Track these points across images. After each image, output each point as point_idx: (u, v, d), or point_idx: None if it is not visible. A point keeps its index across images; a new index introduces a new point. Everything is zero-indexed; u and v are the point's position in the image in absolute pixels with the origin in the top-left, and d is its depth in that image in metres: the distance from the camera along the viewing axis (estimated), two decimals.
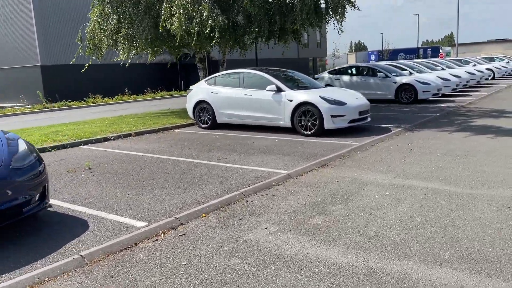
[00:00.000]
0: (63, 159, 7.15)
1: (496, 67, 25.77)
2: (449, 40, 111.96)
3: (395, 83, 14.37)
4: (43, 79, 24.76)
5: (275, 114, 8.98)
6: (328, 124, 8.38)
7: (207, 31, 10.19)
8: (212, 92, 9.94)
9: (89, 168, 6.33)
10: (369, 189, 4.97)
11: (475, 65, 24.62)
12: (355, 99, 8.87)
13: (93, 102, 21.63)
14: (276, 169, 5.95)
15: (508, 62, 29.64)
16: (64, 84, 25.25)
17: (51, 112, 18.04)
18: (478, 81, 20.10)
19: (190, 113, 10.52)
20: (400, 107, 13.40)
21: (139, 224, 3.96)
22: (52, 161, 7.07)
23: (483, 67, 24.87)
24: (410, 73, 15.93)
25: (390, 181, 5.28)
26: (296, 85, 9.58)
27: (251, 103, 9.29)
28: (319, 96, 8.46)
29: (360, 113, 8.71)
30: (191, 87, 10.58)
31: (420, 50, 69.67)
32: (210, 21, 9.94)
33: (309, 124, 8.58)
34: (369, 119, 9.24)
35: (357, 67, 15.82)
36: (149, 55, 14.38)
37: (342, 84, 15.55)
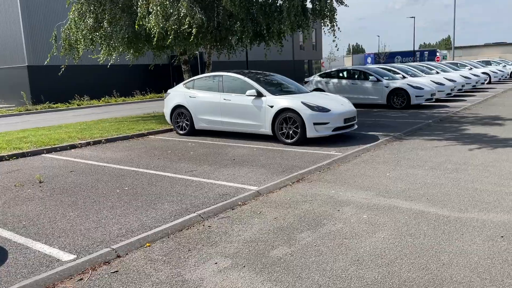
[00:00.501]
0: (16, 170, 6.53)
1: (492, 71, 25.31)
2: (446, 44, 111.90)
3: (387, 87, 13.82)
4: (30, 80, 24.10)
5: (255, 121, 8.40)
6: (310, 132, 7.80)
7: (183, 28, 9.57)
8: (190, 97, 9.35)
9: (40, 182, 5.72)
10: (345, 211, 4.39)
11: (471, 68, 24.16)
12: (340, 105, 8.30)
13: (78, 105, 21.00)
14: (246, 185, 5.36)
15: (505, 66, 29.24)
16: (52, 86, 24.57)
17: (32, 115, 17.41)
18: (474, 86, 19.59)
19: (167, 118, 9.92)
20: (391, 112, 12.84)
21: (66, 257, 3.36)
22: (3, 172, 6.46)
23: (479, 71, 24.39)
24: (403, 77, 15.40)
25: (370, 201, 4.71)
26: (279, 89, 9.00)
27: (230, 108, 8.70)
28: (301, 102, 7.88)
29: (346, 120, 8.13)
30: (169, 91, 9.98)
31: (417, 53, 69.26)
32: (188, 19, 9.36)
33: (290, 132, 7.99)
34: (355, 126, 8.66)
35: (348, 70, 15.27)
36: (131, 56, 13.82)
37: (332, 88, 15.00)
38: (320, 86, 15.32)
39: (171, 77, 36.73)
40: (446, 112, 12.27)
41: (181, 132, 9.59)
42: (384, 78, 14.32)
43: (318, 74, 15.74)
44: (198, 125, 9.30)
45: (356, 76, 14.91)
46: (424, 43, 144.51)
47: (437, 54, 64.65)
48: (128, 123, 11.45)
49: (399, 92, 13.63)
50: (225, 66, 35.94)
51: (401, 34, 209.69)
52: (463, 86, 17.51)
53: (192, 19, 9.44)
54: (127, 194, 5.06)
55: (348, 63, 68.64)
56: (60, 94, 23.16)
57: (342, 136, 8.69)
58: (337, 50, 32.42)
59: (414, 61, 49.32)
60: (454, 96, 17.18)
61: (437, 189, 5.06)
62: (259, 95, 8.33)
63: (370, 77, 14.18)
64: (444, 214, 4.22)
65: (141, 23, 10.08)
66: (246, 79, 8.66)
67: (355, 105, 15.19)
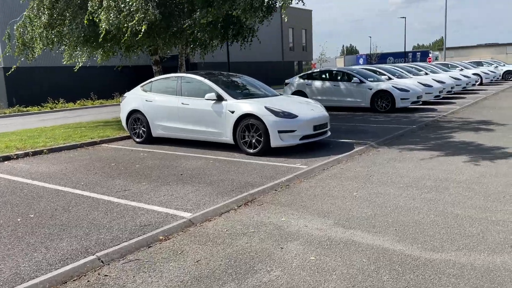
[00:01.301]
0: None
1: (484, 72, 24.59)
2: (439, 45, 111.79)
3: (370, 89, 12.95)
4: (6, 82, 22.98)
5: (215, 128, 7.46)
6: (275, 141, 6.88)
7: (131, 24, 8.61)
8: (146, 100, 8.39)
9: None
10: (290, 249, 3.48)
11: (462, 69, 23.41)
12: (309, 110, 7.37)
13: (51, 108, 19.93)
14: (181, 210, 4.42)
15: (497, 67, 28.53)
16: (29, 88, 23.49)
17: None
18: (464, 87, 18.78)
19: (124, 124, 8.96)
20: (374, 116, 11.97)
21: None
22: None
23: (470, 72, 23.65)
24: (389, 79, 14.56)
25: (325, 232, 3.80)
26: (244, 92, 8.07)
27: (188, 114, 7.75)
28: (265, 107, 6.95)
29: (316, 127, 7.21)
30: (125, 94, 9.02)
31: (409, 54, 68.87)
32: (139, 14, 8.41)
33: (253, 140, 7.06)
34: (328, 133, 7.76)
35: (330, 72, 14.38)
36: (100, 57, 12.85)
37: (313, 90, 14.10)
38: (301, 88, 14.43)
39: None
40: (433, 117, 11.41)
41: (137, 140, 8.63)
42: (368, 79, 13.46)
43: (299, 75, 14.85)
44: (155, 132, 8.35)
45: (339, 78, 14.04)
46: (418, 44, 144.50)
47: (430, 55, 64.22)
48: (86, 129, 10.47)
49: (383, 95, 12.76)
50: (206, 67, 34.96)
51: (395, 35, 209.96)
52: (452, 88, 16.70)
53: (144, 14, 8.51)
54: (26, 225, 4.11)
55: (340, 64, 67.98)
56: (36, 96, 22.04)
57: (314, 145, 7.78)
58: (325, 53, 31.54)
59: (405, 62, 48.70)
60: (443, 98, 16.36)
61: (409, 215, 4.17)
62: (220, 99, 7.39)
63: (353, 78, 13.31)
64: (413, 254, 3.32)
65: (90, 18, 9.13)
66: (206, 81, 7.72)
67: (338, 108, 14.41)
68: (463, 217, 4.06)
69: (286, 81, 15.03)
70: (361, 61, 69.11)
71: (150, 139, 8.44)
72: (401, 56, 66.13)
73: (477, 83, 23.00)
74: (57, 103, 20.75)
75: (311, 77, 14.52)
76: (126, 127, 8.85)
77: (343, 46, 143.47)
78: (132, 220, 4.17)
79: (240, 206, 4.57)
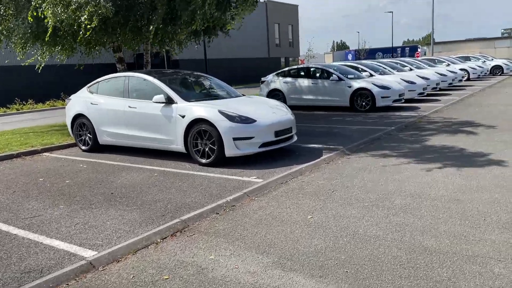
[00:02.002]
0: None
1: (471, 67, 23.94)
2: (428, 40, 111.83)
3: (349, 87, 12.16)
4: None
5: (165, 135, 6.58)
6: (230, 150, 6.03)
7: (83, 18, 7.71)
8: (91, 103, 7.48)
9: None
10: None
11: (448, 65, 22.76)
12: (271, 113, 6.53)
13: (17, 109, 18.83)
14: (85, 247, 3.54)
15: (484, 61, 27.96)
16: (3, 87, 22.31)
17: None
18: (450, 83, 18.09)
19: (69, 130, 8.05)
20: (352, 116, 11.18)
21: None
22: None
23: (457, 67, 23.02)
24: (371, 75, 13.81)
25: (257, 279, 2.96)
26: (199, 94, 7.21)
27: (136, 118, 6.87)
28: (219, 111, 6.10)
29: (278, 133, 6.37)
30: (71, 96, 8.11)
31: (398, 49, 68.46)
32: (89, 8, 7.50)
33: (206, 149, 6.21)
34: (293, 139, 6.93)
35: (308, 69, 13.54)
36: (59, 55, 11.88)
37: (290, 88, 13.26)
38: (277, 86, 13.59)
39: None
40: (415, 116, 10.65)
41: (83, 148, 7.72)
42: (349, 76, 12.67)
43: (276, 72, 14.00)
44: (102, 140, 7.45)
45: (317, 75, 13.22)
46: (408, 39, 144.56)
47: (418, 50, 63.83)
48: (35, 135, 9.52)
49: (363, 93, 11.98)
50: (192, 65, 34.08)
51: (385, 31, 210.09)
52: (438, 84, 15.99)
53: (94, 8, 7.60)
54: None
55: (329, 60, 67.28)
56: (7, 96, 20.86)
57: (278, 152, 6.94)
58: (312, 49, 30.69)
59: (393, 58, 48.04)
60: (428, 95, 15.65)
61: (368, 249, 3.37)
62: (169, 101, 6.51)
63: (332, 76, 12.52)
64: None
65: (35, 14, 8.19)
66: (155, 81, 6.83)
67: (317, 108, 13.59)
68: (433, 252, 3.27)
69: (262, 79, 14.17)
70: (349, 57, 68.47)
71: (96, 147, 7.55)
72: (390, 52, 65.68)
73: (464, 79, 22.40)
74: (25, 104, 19.66)
75: (288, 74, 13.68)
76: (72, 134, 7.94)
77: (334, 41, 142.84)
78: (18, 263, 3.30)
79: (165, 238, 3.73)
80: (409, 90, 13.55)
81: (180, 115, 6.31)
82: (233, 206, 4.51)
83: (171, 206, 4.49)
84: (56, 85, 23.41)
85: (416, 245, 3.39)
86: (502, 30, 52.80)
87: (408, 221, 3.90)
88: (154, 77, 6.91)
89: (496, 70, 27.77)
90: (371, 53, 67.81)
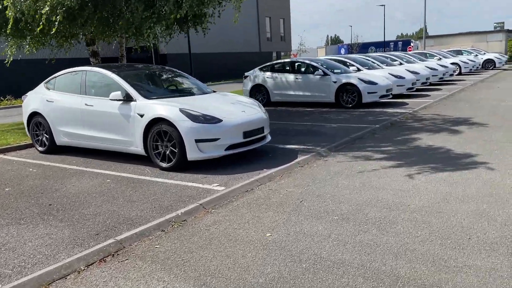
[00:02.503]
0: None
1: (463, 61, 23.45)
2: (421, 34, 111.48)
3: (335, 82, 11.55)
4: None
5: (124, 136, 5.95)
6: (192, 153, 5.42)
7: (45, 10, 7.07)
8: (47, 101, 6.82)
9: None
10: None
11: (440, 59, 22.24)
12: (240, 112, 5.92)
13: None
14: None
15: (477, 55, 27.49)
16: None
17: None
18: (441, 78, 17.57)
19: (26, 129, 7.40)
20: (337, 113, 10.60)
21: None
22: None
23: (448, 61, 22.51)
24: (358, 70, 13.23)
25: None
26: (162, 90, 6.59)
27: (93, 117, 6.24)
28: (180, 110, 5.48)
29: (247, 134, 5.77)
30: (28, 93, 7.45)
31: (390, 43, 67.99)
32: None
33: (167, 152, 5.62)
34: (266, 139, 6.34)
35: (293, 63, 12.91)
36: (28, 47, 11.17)
37: (273, 83, 12.63)
38: (260, 81, 12.95)
39: None
40: (402, 113, 10.09)
41: (40, 149, 7.07)
42: (335, 71, 12.08)
43: (260, 67, 13.35)
44: (59, 140, 6.81)
45: (302, 70, 12.61)
46: (401, 33, 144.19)
47: (411, 44, 63.40)
48: None
49: (348, 88, 11.41)
50: (179, 60, 33.29)
51: (379, 25, 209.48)
52: (428, 79, 15.43)
53: None
54: None
55: (322, 54, 66.64)
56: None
57: (250, 153, 6.37)
58: (304, 43, 30.04)
59: (385, 52, 47.50)
60: (418, 90, 15.11)
61: (328, 279, 2.78)
62: (128, 98, 5.90)
63: (317, 70, 11.92)
64: None
65: None
66: (113, 76, 6.18)
67: (302, 104, 12.97)
68: (406, 283, 2.72)
69: (246, 74, 13.52)
70: (342, 51, 67.81)
71: (55, 148, 6.91)
72: (383, 46, 65.22)
73: (456, 73, 21.92)
74: (7, 100, 18.85)
75: (272, 69, 13.03)
76: (28, 133, 7.29)
77: (328, 36, 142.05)
78: None
79: (91, 264, 3.14)
80: (397, 85, 12.98)
81: (139, 114, 5.68)
82: (184, 221, 3.93)
83: (111, 222, 3.89)
84: (40, 80, 22.63)
85: (387, 273, 2.84)
86: (495, 24, 52.29)
87: (381, 240, 3.35)
88: (113, 72, 6.26)
89: (488, 64, 27.36)
90: (364, 47, 67.17)
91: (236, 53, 38.44)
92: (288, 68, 12.85)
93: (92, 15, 8.87)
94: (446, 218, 3.71)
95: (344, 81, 11.38)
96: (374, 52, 60.33)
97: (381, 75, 12.43)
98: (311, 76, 11.99)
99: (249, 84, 13.18)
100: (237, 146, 5.67)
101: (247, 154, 6.31)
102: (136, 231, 3.61)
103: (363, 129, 8.14)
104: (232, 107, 6.04)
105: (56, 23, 7.89)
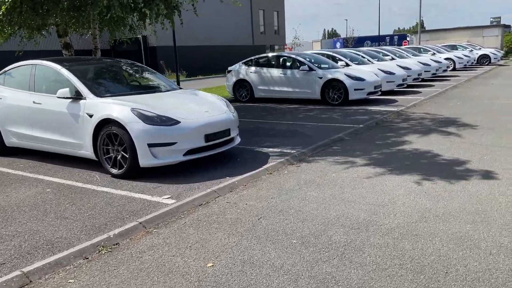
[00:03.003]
0: None
1: (457, 57, 22.86)
2: (417, 29, 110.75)
3: (320, 78, 10.94)
4: None
5: (72, 138, 5.31)
6: (144, 159, 4.81)
7: None
8: None
9: None
10: None
11: (434, 54, 21.64)
12: (203, 112, 5.29)
13: None
14: None
15: (472, 50, 26.92)
16: None
17: None
18: (434, 73, 16.97)
19: None
20: (321, 111, 10.00)
21: None
22: None
23: (442, 56, 21.97)
24: (347, 65, 12.63)
25: None
26: (120, 87, 5.93)
27: (41, 117, 5.60)
28: (132, 109, 4.85)
29: (209, 137, 5.18)
30: None
31: (387, 37, 67.32)
32: None
33: (118, 156, 5.00)
34: (234, 142, 5.74)
35: (279, 57, 12.25)
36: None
37: (258, 79, 12.00)
38: (244, 76, 12.33)
39: None
40: (389, 111, 9.51)
41: None
42: (322, 66, 11.48)
43: (244, 61, 12.70)
44: (9, 142, 6.16)
45: (288, 65, 11.98)
46: (398, 28, 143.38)
47: (407, 38, 62.73)
48: None
49: (335, 85, 10.80)
50: (169, 52, 32.11)
51: (376, 19, 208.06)
52: (420, 74, 14.84)
53: None
54: None
55: (317, 48, 65.85)
56: None
57: (216, 157, 5.77)
58: (298, 37, 29.31)
59: (379, 46, 46.90)
60: (409, 86, 14.53)
61: None
62: (78, 96, 5.29)
63: (303, 65, 11.29)
64: None
65: None
66: (63, 70, 5.51)
67: (288, 101, 12.31)
68: None
69: (229, 68, 12.88)
70: (338, 45, 67.09)
71: (5, 150, 6.27)
72: (378, 40, 64.55)
73: (450, 69, 21.37)
74: None
75: (257, 63, 12.37)
76: None
77: (324, 30, 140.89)
78: None
79: None
80: (387, 81, 12.39)
81: (88, 114, 5.06)
82: (116, 244, 3.34)
83: (28, 246, 3.29)
84: None
85: None
86: (491, 19, 51.67)
87: (341, 274, 2.78)
88: (64, 66, 5.61)
89: (483, 60, 26.82)
90: (360, 41, 66.34)
91: (228, 46, 37.62)
92: (273, 62, 12.19)
93: (56, 3, 8.22)
94: (422, 244, 3.15)
95: (330, 76, 10.77)
96: (370, 46, 59.83)
97: (369, 71, 11.84)
98: (296, 71, 11.36)
99: (232, 79, 12.54)
100: (197, 151, 5.06)
101: (215, 158, 5.71)
102: (52, 259, 3.01)
103: (346, 129, 7.56)
104: (195, 107, 5.42)
105: (13, 11, 7.27)
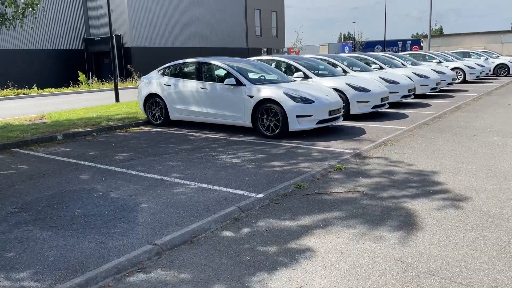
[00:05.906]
0: None
1: (468, 66, 18.81)
2: (434, 33, 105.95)
3: (251, 97, 7.51)
4: None
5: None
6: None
7: None
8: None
9: None
10: None
11: (440, 62, 17.89)
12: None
13: None
14: None
15: (487, 59, 22.82)
16: None
17: None
18: (434, 88, 13.20)
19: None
20: (234, 151, 6.33)
21: None
22: None
23: (450, 65, 18.21)
24: (306, 77, 9.11)
25: None
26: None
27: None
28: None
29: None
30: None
31: (398, 42, 63.51)
32: None
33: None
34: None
35: (199, 64, 8.39)
36: None
37: (173, 94, 8.35)
38: (156, 89, 8.78)
39: (87, 66, 29.88)
40: (339, 155, 5.93)
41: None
42: (266, 77, 8.01)
43: (159, 68, 9.19)
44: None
45: (212, 75, 8.41)
46: (417, 33, 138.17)
47: (421, 44, 58.49)
48: None
49: (271, 108, 7.34)
50: (148, 54, 29.43)
51: (392, 24, 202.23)
52: (411, 90, 11.19)
53: None
54: None
55: (324, 52, 62.07)
56: None
57: None
58: (300, 40, 25.99)
59: (384, 51, 43.02)
60: (394, 106, 10.81)
61: None
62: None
63: (229, 77, 7.79)
64: None
65: None
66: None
67: (217, 125, 8.10)
68: None
69: (142, 78, 9.42)
70: (346, 49, 63.36)
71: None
72: (390, 45, 60.70)
73: (458, 81, 17.61)
74: None
75: (175, 72, 8.71)
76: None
77: (340, 33, 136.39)
78: None
79: None
80: (357, 102, 8.83)
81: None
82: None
83: None
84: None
85: None
86: None
87: None
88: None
89: (501, 70, 22.79)
90: (369, 46, 62.34)
91: (218, 48, 34.23)
92: (192, 71, 8.49)
93: None
94: None
95: (264, 95, 7.27)
96: (381, 51, 55.80)
97: (329, 88, 8.25)
98: (220, 85, 7.90)
99: (142, 92, 8.96)
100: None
101: None
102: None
103: (226, 207, 4.09)
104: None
105: None
